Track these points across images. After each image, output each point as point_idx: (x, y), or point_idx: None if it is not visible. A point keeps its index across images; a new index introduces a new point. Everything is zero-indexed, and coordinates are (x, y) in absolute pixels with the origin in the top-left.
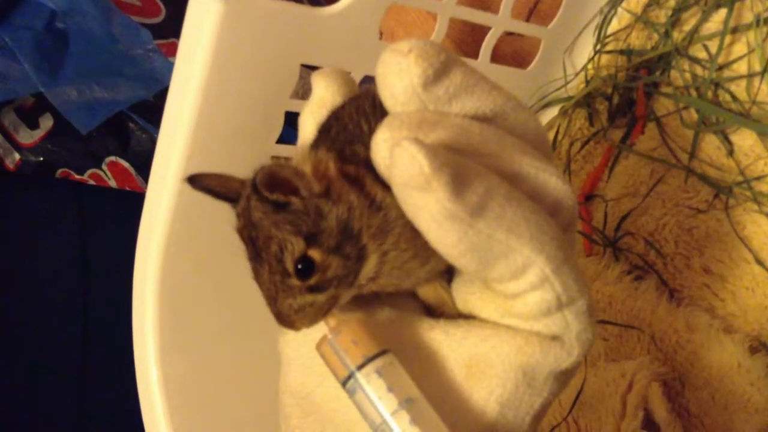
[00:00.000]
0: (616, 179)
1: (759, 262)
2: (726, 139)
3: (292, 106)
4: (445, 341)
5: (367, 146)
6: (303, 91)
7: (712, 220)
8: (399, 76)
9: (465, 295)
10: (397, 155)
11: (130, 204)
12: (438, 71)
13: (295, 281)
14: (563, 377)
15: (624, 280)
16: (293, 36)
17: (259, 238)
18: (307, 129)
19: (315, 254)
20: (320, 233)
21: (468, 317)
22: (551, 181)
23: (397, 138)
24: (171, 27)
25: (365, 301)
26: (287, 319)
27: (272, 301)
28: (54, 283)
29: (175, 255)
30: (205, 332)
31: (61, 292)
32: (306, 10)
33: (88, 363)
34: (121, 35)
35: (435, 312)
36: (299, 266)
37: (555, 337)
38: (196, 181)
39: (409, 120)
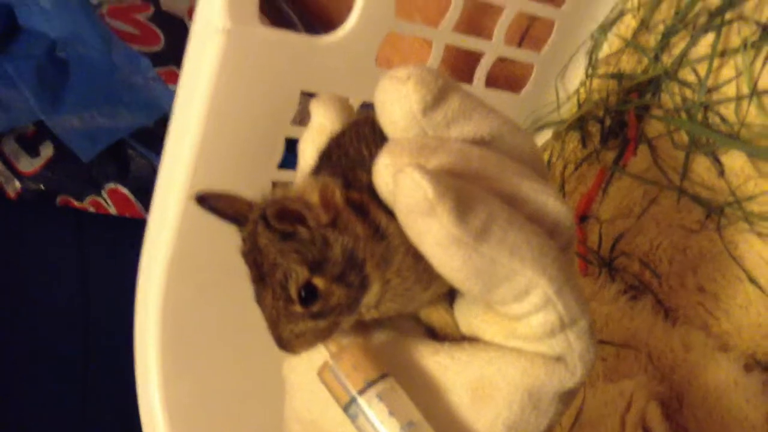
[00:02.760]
0: (609, 200)
1: (752, 280)
2: (717, 161)
3: (293, 132)
4: (451, 365)
5: (369, 172)
6: (302, 117)
7: (705, 239)
8: (398, 103)
9: (468, 318)
10: (400, 181)
11: (130, 230)
12: (436, 97)
13: (297, 308)
14: (567, 397)
15: (620, 299)
16: (293, 64)
17: (265, 264)
18: (307, 155)
19: (319, 282)
20: (325, 262)
21: (472, 339)
22: (549, 202)
23: (398, 164)
24: (170, 55)
25: (368, 325)
26: (287, 344)
27: (274, 325)
28: (55, 309)
29: (178, 279)
30: (207, 356)
31: (62, 317)
32: (305, 39)
33: (90, 389)
34: (121, 64)
35: (438, 334)
36: (303, 293)
37: (559, 358)
38: (204, 200)
39: (410, 146)
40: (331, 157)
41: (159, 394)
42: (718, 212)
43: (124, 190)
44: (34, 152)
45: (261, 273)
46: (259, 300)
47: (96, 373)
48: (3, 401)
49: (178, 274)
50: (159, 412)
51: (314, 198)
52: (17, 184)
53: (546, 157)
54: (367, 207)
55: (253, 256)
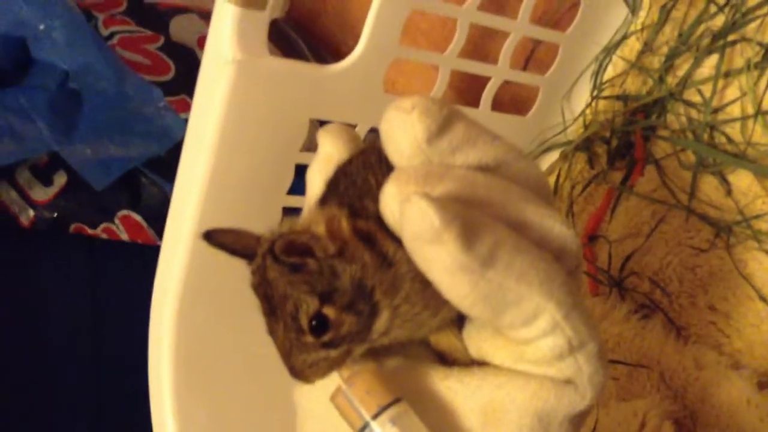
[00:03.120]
0: (618, 220)
1: (762, 298)
2: (724, 180)
3: (302, 158)
4: (461, 390)
5: (376, 200)
6: (311, 144)
7: (714, 258)
8: (403, 133)
9: (477, 342)
10: (407, 210)
11: (143, 256)
12: (441, 126)
13: (309, 338)
14: (578, 420)
15: (631, 319)
16: (302, 92)
17: (275, 296)
18: (315, 185)
19: (329, 312)
20: (334, 292)
21: (481, 364)
22: (555, 227)
23: (405, 192)
24: (181, 84)
25: (379, 351)
26: (301, 374)
27: (287, 356)
28: (68, 337)
29: (191, 306)
30: (221, 382)
31: (74, 345)
32: (313, 68)
33: (103, 413)
34: (133, 94)
35: (447, 359)
36: (313, 323)
37: (568, 381)
38: (211, 237)
39: (416, 174)
40: (338, 186)
41: (173, 420)
42: (726, 231)
43: (137, 217)
44: (47, 181)
45: (271, 306)
46: (271, 332)
47: (109, 397)
48: (14, 423)
49: (191, 300)
50: None
51: (321, 229)
52: (31, 212)
53: (553, 177)
54: (375, 235)
55: (263, 289)
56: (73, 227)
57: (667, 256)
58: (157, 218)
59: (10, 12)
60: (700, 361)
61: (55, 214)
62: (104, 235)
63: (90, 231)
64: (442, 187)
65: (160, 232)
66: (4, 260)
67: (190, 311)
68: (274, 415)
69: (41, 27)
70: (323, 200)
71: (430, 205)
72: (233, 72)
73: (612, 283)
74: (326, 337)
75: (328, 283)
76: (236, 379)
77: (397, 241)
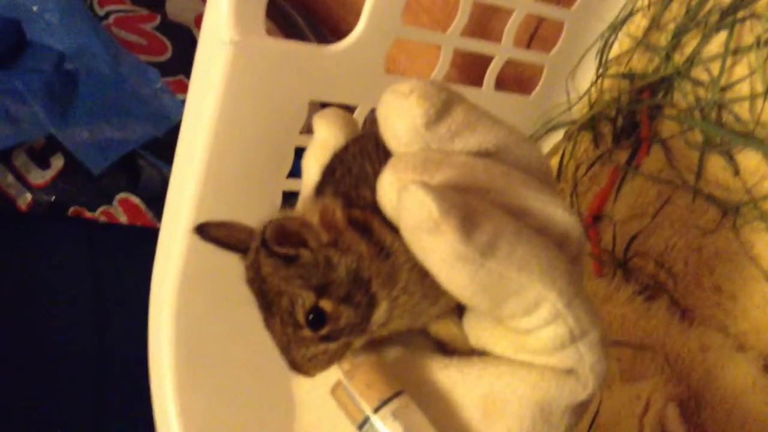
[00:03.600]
0: (623, 200)
1: None
2: (731, 160)
3: (302, 141)
4: (461, 380)
5: (372, 189)
6: (312, 127)
7: (720, 239)
8: (401, 117)
9: (477, 331)
10: (404, 199)
11: (142, 239)
12: (439, 111)
13: (307, 332)
14: (580, 410)
15: (635, 300)
16: (301, 74)
17: (270, 292)
18: (311, 171)
19: (326, 305)
20: (330, 284)
21: (481, 353)
22: (557, 213)
23: (402, 180)
24: (178, 64)
25: (377, 342)
26: (301, 368)
27: (285, 350)
28: (68, 321)
29: (190, 290)
30: (222, 367)
31: (75, 329)
32: (313, 48)
33: (104, 400)
34: (129, 75)
35: (447, 348)
36: (310, 317)
37: (569, 371)
38: (204, 231)
39: (414, 161)
40: (334, 174)
41: (174, 404)
42: (733, 211)
43: (135, 200)
44: (44, 164)
45: (267, 301)
46: (268, 327)
47: (110, 383)
48: (15, 413)
49: (190, 285)
50: (174, 423)
51: (314, 219)
52: (28, 196)
53: (558, 157)
54: (371, 225)
55: (257, 284)
56: (71, 210)
57: (672, 237)
58: (156, 200)
59: None
60: (705, 343)
61: (53, 198)
62: (103, 218)
63: (88, 214)
64: (440, 174)
65: (159, 214)
66: (2, 245)
67: (190, 297)
68: (275, 403)
69: (35, 8)
70: (319, 188)
71: (428, 194)
72: (230, 53)
73: (616, 264)
74: (324, 331)
75: (324, 275)
76: (237, 366)
77: (395, 230)
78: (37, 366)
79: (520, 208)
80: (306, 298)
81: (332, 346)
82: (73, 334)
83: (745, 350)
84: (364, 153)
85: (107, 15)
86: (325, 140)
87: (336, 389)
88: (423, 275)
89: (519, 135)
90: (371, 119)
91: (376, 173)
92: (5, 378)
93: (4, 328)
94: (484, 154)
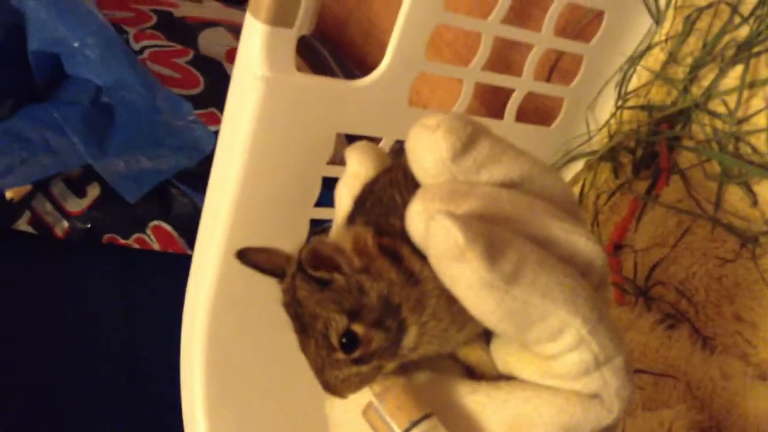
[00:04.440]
0: (643, 230)
1: None
2: (749, 190)
3: (329, 171)
4: (488, 404)
5: (401, 218)
6: (338, 158)
7: (740, 268)
8: (429, 151)
9: (504, 356)
10: (432, 228)
11: (173, 265)
12: (465, 144)
13: (340, 355)
14: None
15: (657, 329)
16: (329, 107)
17: (305, 315)
18: (343, 202)
19: (358, 329)
20: (362, 308)
21: (508, 378)
22: (581, 242)
23: (430, 210)
24: (210, 97)
25: (408, 366)
26: (334, 389)
27: (319, 372)
28: (102, 346)
29: (222, 317)
30: (252, 390)
31: (109, 354)
32: (340, 83)
33: (136, 421)
34: (163, 107)
35: (476, 372)
36: (343, 340)
37: (594, 396)
38: (244, 256)
39: (441, 192)
40: (365, 204)
41: (204, 424)
42: (752, 242)
43: (168, 227)
44: (81, 193)
45: (302, 324)
46: (304, 349)
47: (142, 404)
48: None
49: (222, 309)
50: None
51: (347, 245)
52: (65, 223)
53: (578, 187)
54: (401, 252)
55: (293, 308)
56: (105, 238)
57: (692, 266)
58: (188, 228)
59: (45, 30)
60: (726, 372)
61: (89, 225)
62: (136, 245)
63: (122, 241)
64: (466, 204)
65: (190, 241)
66: (39, 270)
67: (221, 321)
68: (302, 426)
69: (76, 44)
70: (351, 218)
71: (454, 224)
72: (262, 88)
73: (638, 293)
74: (356, 354)
75: (356, 300)
76: (267, 388)
77: (423, 258)
78: (70, 387)
79: (545, 237)
80: (339, 322)
81: (364, 368)
82: (107, 356)
83: (767, 379)
84: (393, 183)
85: (142, 50)
86: (357, 172)
87: (368, 411)
88: (451, 302)
89: (543, 166)
90: (395, 150)
91: (405, 203)
92: (40, 396)
93: (39, 351)
94: (508, 185)
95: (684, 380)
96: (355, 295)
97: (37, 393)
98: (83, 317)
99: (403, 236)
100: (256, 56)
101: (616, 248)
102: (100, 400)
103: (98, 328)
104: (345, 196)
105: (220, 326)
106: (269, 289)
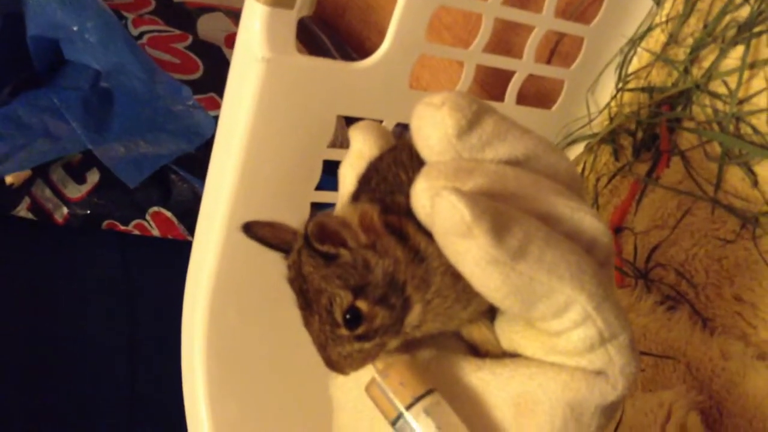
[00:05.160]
0: (643, 212)
1: None
2: (750, 171)
3: (330, 154)
4: (493, 381)
5: (407, 196)
6: (339, 140)
7: (740, 249)
8: (434, 128)
9: (509, 334)
10: (437, 205)
11: (173, 251)
12: (471, 121)
13: (343, 331)
14: (609, 411)
15: (657, 310)
16: (329, 89)
17: (310, 290)
18: (348, 181)
19: (362, 305)
20: (367, 285)
21: (513, 355)
22: (586, 219)
23: (435, 187)
24: (209, 82)
25: (411, 344)
26: (336, 365)
27: (322, 348)
28: (102, 331)
29: (223, 302)
30: (254, 375)
31: (109, 339)
32: (341, 65)
33: (137, 410)
34: (163, 92)
35: (480, 350)
36: (347, 317)
37: (599, 372)
38: (250, 229)
39: (446, 169)
40: (369, 182)
41: (206, 411)
42: (752, 222)
43: (167, 213)
44: (80, 179)
45: (307, 299)
46: (307, 325)
47: (142, 390)
48: (50, 422)
49: (223, 293)
50: (207, 431)
51: (354, 220)
52: (65, 209)
53: (579, 170)
54: (406, 230)
55: (298, 283)
56: (105, 224)
57: (693, 248)
58: (187, 214)
59: (44, 15)
60: (726, 352)
61: (88, 211)
62: (136, 231)
63: (122, 227)
64: (472, 181)
65: (190, 227)
66: (39, 256)
67: (222, 307)
68: (306, 411)
69: (75, 28)
70: (355, 196)
71: (461, 200)
72: (263, 70)
73: (638, 275)
74: (360, 330)
75: (361, 276)
76: (269, 373)
77: (429, 235)
78: (70, 372)
79: (550, 215)
80: (344, 298)
81: (367, 345)
82: (107, 342)
83: (766, 359)
84: (398, 162)
85: (141, 35)
86: (361, 151)
87: (370, 387)
88: (456, 279)
89: (547, 144)
90: (395, 133)
91: (410, 181)
92: (41, 382)
93: (39, 337)
94: (513, 163)
95: (684, 361)
96: (361, 272)
97: (38, 379)
98: (83, 303)
99: (409, 214)
100: (257, 38)
101: (617, 231)
102: (99, 387)
103: (98, 314)
104: (349, 175)
105: (221, 312)
106: (270, 276)
